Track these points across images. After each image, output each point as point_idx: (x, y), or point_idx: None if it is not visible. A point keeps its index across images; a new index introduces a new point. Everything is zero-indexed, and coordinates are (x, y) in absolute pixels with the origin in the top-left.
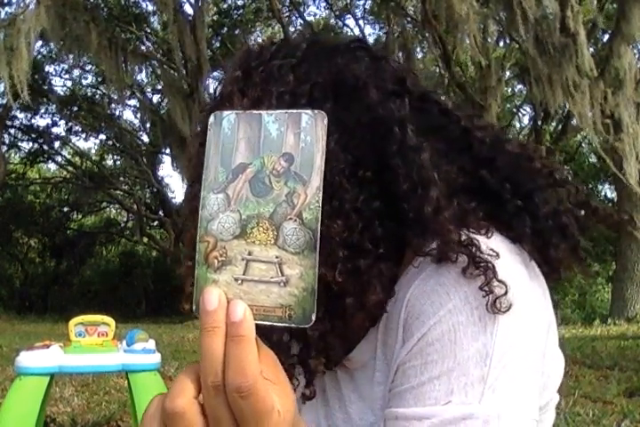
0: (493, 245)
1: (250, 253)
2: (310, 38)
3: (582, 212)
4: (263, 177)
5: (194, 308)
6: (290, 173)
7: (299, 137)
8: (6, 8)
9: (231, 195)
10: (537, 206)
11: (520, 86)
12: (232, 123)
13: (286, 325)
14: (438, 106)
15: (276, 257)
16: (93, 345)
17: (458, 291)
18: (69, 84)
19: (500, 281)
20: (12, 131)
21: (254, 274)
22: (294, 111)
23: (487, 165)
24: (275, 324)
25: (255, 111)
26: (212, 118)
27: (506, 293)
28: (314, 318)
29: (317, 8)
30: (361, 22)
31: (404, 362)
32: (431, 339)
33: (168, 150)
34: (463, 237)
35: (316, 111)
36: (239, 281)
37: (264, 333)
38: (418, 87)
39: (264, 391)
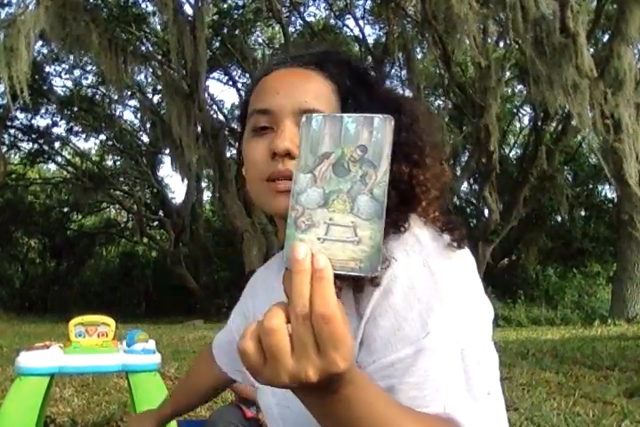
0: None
1: (331, 219)
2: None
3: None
4: (343, 162)
5: (284, 261)
6: (364, 160)
7: (371, 133)
8: (6, 8)
9: (317, 175)
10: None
11: (520, 87)
12: (319, 122)
13: (357, 274)
14: None
15: (352, 222)
16: (93, 345)
17: (414, 250)
18: (69, 84)
19: (440, 234)
20: (13, 131)
21: (334, 235)
22: (368, 115)
23: None
24: (348, 273)
25: (337, 114)
26: (303, 119)
27: (448, 244)
28: (379, 269)
29: (317, 8)
30: (361, 23)
31: (374, 316)
32: (394, 290)
33: (168, 151)
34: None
35: (385, 116)
36: (321, 240)
37: None
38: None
39: (343, 320)
